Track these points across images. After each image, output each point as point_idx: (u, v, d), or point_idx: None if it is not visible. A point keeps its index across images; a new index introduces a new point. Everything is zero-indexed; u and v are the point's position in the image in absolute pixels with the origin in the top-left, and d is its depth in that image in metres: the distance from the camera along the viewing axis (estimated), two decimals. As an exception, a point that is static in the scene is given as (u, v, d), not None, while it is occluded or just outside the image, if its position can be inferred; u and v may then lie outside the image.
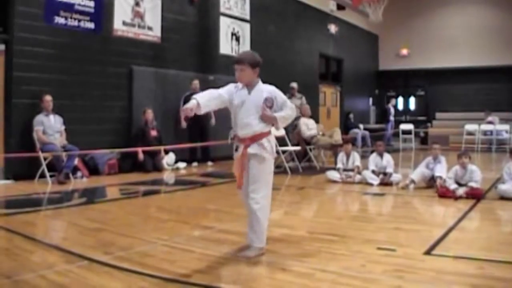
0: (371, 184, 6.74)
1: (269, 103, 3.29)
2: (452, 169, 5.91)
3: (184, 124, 9.36)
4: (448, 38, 17.31)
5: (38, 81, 7.38)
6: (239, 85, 3.35)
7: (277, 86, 3.41)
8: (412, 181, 6.43)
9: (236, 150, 3.36)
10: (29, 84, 7.27)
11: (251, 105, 3.28)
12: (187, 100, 9.43)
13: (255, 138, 3.27)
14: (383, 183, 6.72)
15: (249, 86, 3.32)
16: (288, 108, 3.37)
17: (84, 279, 2.81)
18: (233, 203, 5.15)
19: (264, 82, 3.43)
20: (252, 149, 3.26)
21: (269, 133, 3.35)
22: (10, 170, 7.06)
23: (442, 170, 6.19)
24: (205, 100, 3.20)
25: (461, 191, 5.60)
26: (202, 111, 3.20)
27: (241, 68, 3.28)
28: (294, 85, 10.20)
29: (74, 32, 7.89)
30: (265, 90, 3.35)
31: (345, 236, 3.85)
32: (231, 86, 3.37)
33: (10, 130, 7.15)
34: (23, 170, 7.09)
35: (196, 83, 9.54)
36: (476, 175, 5.71)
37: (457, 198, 5.51)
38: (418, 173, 6.49)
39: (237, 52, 11.38)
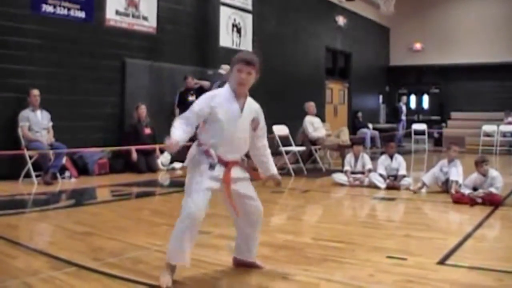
0: (378, 188, 6.75)
1: (254, 125, 2.93)
2: (470, 177, 5.88)
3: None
4: (465, 31, 17.28)
5: (24, 74, 7.37)
6: (222, 93, 2.89)
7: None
8: (424, 184, 6.43)
9: (211, 168, 2.87)
10: (14, 77, 7.27)
11: (243, 125, 2.88)
12: (181, 96, 9.60)
13: (239, 162, 2.96)
14: (390, 187, 6.71)
15: (241, 98, 2.89)
16: (266, 142, 3.06)
17: (72, 286, 2.80)
18: (232, 206, 5.14)
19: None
20: (236, 173, 2.92)
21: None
22: (-7, 169, 7.07)
23: (458, 174, 6.17)
24: (183, 138, 2.90)
25: (480, 192, 5.57)
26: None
27: (250, 71, 2.84)
28: (226, 67, 7.97)
29: (63, 21, 7.89)
30: (253, 108, 2.96)
31: (352, 243, 3.84)
32: (205, 100, 2.87)
33: (-7, 126, 7.16)
34: (7, 169, 7.08)
35: (190, 79, 9.51)
36: (498, 181, 5.66)
37: (473, 204, 5.50)
38: (430, 175, 6.50)
39: (238, 45, 11.39)
